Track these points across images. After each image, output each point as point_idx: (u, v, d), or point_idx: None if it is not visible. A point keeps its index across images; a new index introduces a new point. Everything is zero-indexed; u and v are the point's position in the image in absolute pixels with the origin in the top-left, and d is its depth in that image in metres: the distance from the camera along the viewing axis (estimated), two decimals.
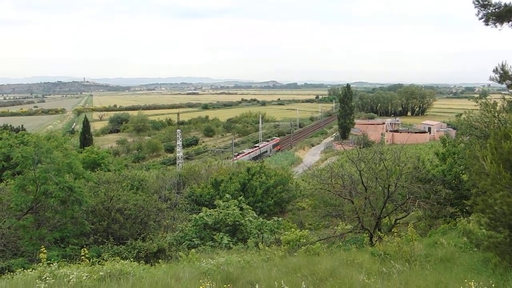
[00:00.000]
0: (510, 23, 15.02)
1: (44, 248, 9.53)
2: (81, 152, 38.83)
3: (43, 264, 8.76)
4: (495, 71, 15.34)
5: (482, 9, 14.97)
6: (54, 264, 8.80)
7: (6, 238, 14.99)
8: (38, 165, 15.19)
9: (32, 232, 14.60)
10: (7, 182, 17.82)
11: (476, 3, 14.92)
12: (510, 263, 8.02)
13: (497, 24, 15.08)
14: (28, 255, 13.84)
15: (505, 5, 14.56)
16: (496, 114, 17.41)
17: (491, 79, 15.67)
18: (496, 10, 14.74)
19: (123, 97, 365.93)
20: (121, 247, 15.36)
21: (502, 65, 15.12)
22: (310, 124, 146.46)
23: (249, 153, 79.50)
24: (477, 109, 19.04)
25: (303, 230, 16.62)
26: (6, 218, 15.31)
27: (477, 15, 15.12)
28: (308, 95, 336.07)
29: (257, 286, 7.19)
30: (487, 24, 15.16)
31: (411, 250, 10.01)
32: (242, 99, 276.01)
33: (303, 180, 41.32)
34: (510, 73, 15.06)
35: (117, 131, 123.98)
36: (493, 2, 14.71)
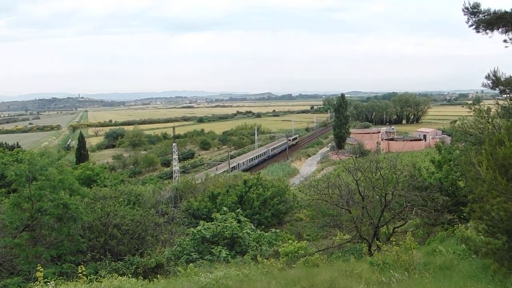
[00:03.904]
0: (500, 29, 15.17)
1: (40, 267, 9.45)
2: (76, 169, 38.69)
3: (40, 282, 8.67)
4: (488, 77, 15.46)
5: (472, 16, 15.12)
6: (51, 282, 8.71)
7: (1, 257, 14.86)
8: (33, 182, 15.11)
9: (28, 250, 14.48)
10: (2, 200, 17.72)
11: (466, 10, 15.07)
12: (508, 269, 8.00)
13: (487, 31, 15.23)
14: (25, 274, 13.71)
15: (495, 12, 14.71)
16: (490, 120, 17.49)
17: (484, 85, 15.80)
18: (486, 17, 14.89)
19: (118, 112, 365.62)
20: (118, 263, 15.25)
21: (494, 71, 15.24)
22: (306, 135, 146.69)
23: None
24: (471, 116, 19.13)
25: (301, 242, 16.58)
26: (2, 237, 15.19)
27: (467, 23, 15.28)
28: (303, 105, 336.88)
29: None
30: (478, 31, 15.32)
31: (410, 259, 9.96)
32: (237, 111, 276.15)
33: (300, 191, 41.23)
34: (502, 79, 15.17)
35: (113, 146, 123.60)
36: (482, 9, 14.87)
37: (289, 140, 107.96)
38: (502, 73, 15.37)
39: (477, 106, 18.92)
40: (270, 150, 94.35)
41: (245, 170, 69.26)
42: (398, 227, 17.03)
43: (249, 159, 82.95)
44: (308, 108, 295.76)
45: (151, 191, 37.62)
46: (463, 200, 16.88)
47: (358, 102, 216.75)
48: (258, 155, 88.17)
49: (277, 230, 21.16)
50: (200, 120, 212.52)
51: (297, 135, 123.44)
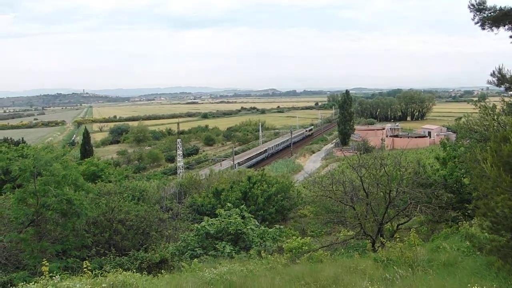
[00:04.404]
0: (506, 26, 15.09)
1: (45, 261, 9.49)
2: (81, 164, 38.82)
3: (45, 277, 8.71)
4: (493, 74, 15.39)
5: (477, 13, 15.04)
6: (56, 276, 8.75)
7: (7, 252, 14.96)
8: (38, 178, 15.17)
9: (34, 245, 14.56)
10: (7, 195, 17.80)
11: (472, 7, 14.99)
12: None
13: (493, 28, 15.15)
14: (30, 268, 13.79)
15: (501, 8, 14.63)
16: (495, 117, 17.42)
17: (489, 82, 15.73)
18: (492, 14, 14.81)
19: (123, 108, 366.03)
20: (123, 258, 15.32)
21: (499, 68, 15.17)
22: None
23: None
24: (477, 113, 19.07)
25: (305, 238, 16.58)
26: (7, 232, 15.29)
27: (473, 20, 15.19)
28: (308, 102, 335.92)
29: None
30: (484, 28, 15.23)
31: (414, 256, 9.95)
32: (242, 107, 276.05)
33: (304, 187, 41.25)
34: (507, 76, 15.10)
35: (118, 142, 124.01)
36: (488, 6, 14.79)
37: (306, 130, 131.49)
38: (508, 70, 15.30)
39: (482, 103, 18.86)
40: (291, 138, 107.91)
41: (273, 154, 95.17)
42: (402, 223, 17.04)
43: (276, 145, 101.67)
44: (313, 104, 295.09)
45: (156, 186, 37.69)
46: (468, 197, 16.87)
47: (362, 98, 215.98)
48: (283, 142, 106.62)
49: (281, 226, 21.19)
50: (205, 116, 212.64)
51: (312, 127, 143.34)
